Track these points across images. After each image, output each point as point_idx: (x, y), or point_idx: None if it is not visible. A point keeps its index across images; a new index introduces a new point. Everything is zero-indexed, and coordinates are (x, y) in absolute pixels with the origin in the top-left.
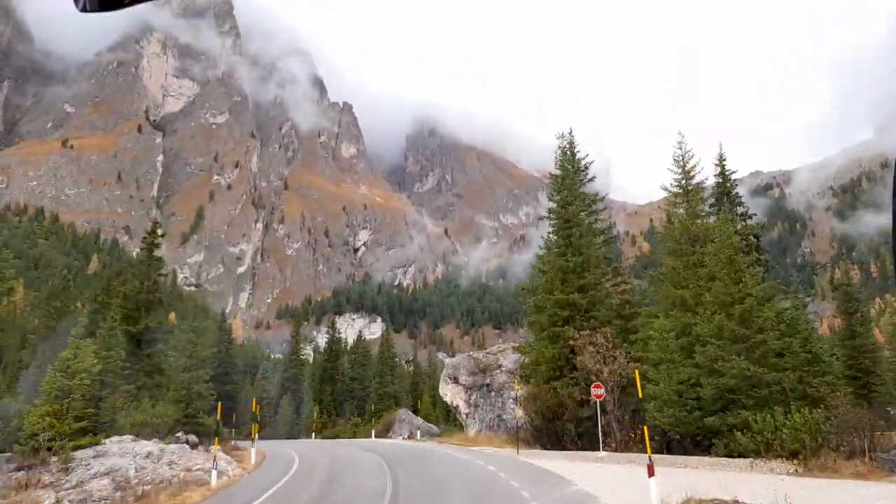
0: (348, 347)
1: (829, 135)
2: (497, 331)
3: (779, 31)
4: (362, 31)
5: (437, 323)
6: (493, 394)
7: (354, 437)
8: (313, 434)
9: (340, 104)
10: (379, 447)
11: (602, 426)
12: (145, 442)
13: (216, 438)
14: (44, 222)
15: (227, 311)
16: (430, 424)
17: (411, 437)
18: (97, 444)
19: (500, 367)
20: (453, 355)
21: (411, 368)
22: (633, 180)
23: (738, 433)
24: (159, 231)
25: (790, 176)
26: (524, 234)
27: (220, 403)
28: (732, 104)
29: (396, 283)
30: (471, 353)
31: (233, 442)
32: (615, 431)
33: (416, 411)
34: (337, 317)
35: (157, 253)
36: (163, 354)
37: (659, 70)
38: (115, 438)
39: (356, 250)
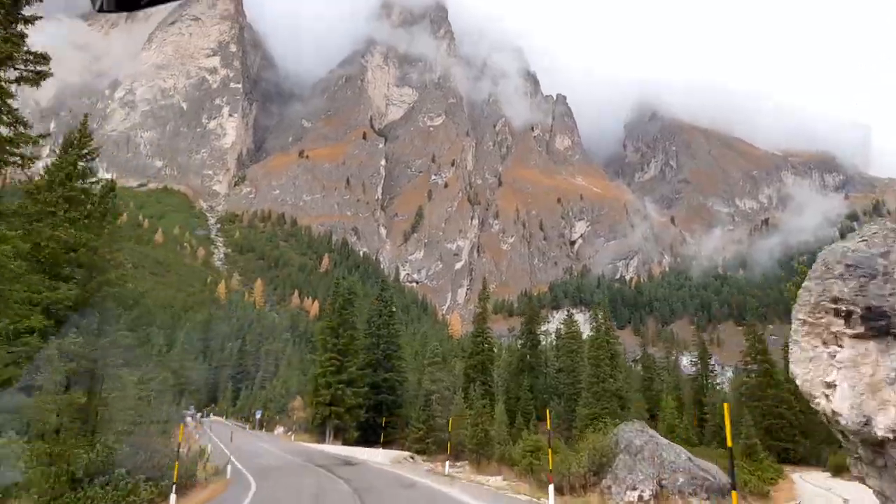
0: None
1: None
2: (740, 327)
3: None
4: (573, 20)
5: (667, 319)
6: None
7: (530, 471)
8: (447, 464)
9: (554, 97)
10: None
11: None
12: None
13: None
14: (284, 227)
15: (446, 306)
16: (704, 465)
17: (656, 497)
18: None
19: None
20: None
21: (639, 368)
22: None
23: None
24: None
25: None
26: (768, 219)
27: None
28: None
29: (618, 276)
30: None
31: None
32: None
33: (651, 419)
34: (554, 311)
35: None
36: None
37: None
38: None
39: (573, 243)
